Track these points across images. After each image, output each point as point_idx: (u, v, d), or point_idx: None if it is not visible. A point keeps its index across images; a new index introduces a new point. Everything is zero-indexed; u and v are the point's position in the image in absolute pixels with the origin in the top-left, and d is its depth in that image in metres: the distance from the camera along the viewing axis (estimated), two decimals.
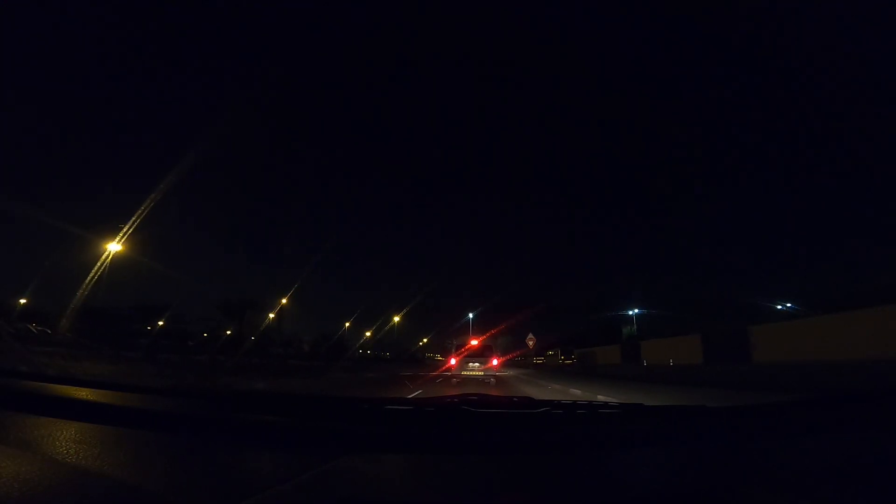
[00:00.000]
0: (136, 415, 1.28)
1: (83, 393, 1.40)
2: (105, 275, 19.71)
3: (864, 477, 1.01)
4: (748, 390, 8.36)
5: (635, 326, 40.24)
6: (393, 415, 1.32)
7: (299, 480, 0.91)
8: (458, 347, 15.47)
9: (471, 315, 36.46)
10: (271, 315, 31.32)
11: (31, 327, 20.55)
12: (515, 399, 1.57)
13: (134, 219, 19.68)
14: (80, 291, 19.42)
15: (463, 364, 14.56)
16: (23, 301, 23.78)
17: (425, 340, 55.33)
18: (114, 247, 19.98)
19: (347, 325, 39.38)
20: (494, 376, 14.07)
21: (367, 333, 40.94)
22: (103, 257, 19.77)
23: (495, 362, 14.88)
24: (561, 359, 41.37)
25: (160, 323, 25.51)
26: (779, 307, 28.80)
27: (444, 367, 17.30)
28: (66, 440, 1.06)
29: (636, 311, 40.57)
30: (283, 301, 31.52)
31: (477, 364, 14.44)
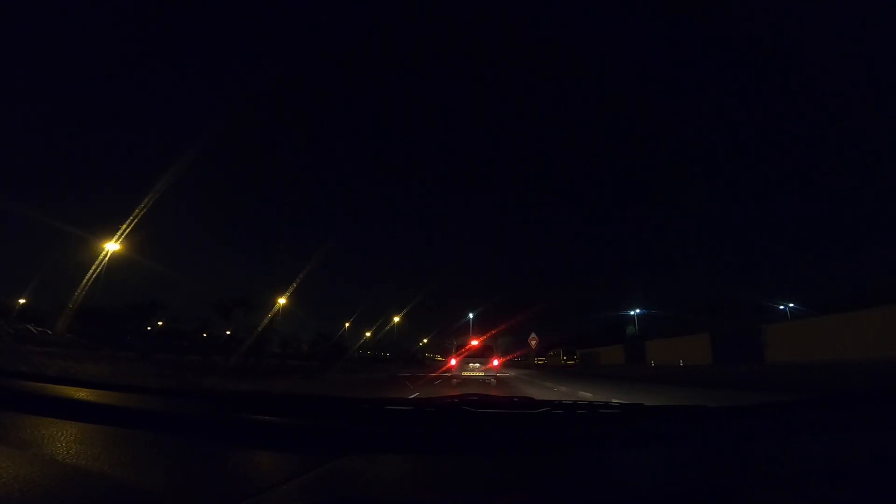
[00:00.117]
0: (136, 415, 1.28)
1: (83, 393, 1.40)
2: (102, 274, 19.73)
3: (864, 477, 1.01)
4: (774, 392, 7.75)
5: (636, 326, 40.20)
6: (393, 415, 1.32)
7: (299, 480, 0.91)
8: (459, 348, 15.42)
9: (471, 315, 36.54)
10: (270, 315, 31.31)
11: (31, 328, 20.54)
12: (516, 399, 1.56)
13: (132, 218, 19.70)
14: (78, 291, 19.43)
15: (463, 364, 14.51)
16: (21, 301, 23.78)
17: (425, 341, 55.45)
18: (112, 246, 20.00)
19: (347, 325, 39.45)
20: (495, 377, 14.05)
21: (367, 334, 41.02)
22: (101, 256, 19.77)
23: (496, 363, 14.83)
24: (563, 359, 40.91)
25: (160, 323, 25.46)
26: (781, 307, 28.76)
27: (444, 368, 17.28)
28: (66, 440, 1.06)
29: (637, 311, 40.56)
30: (282, 301, 31.48)
31: (477, 364, 14.40)
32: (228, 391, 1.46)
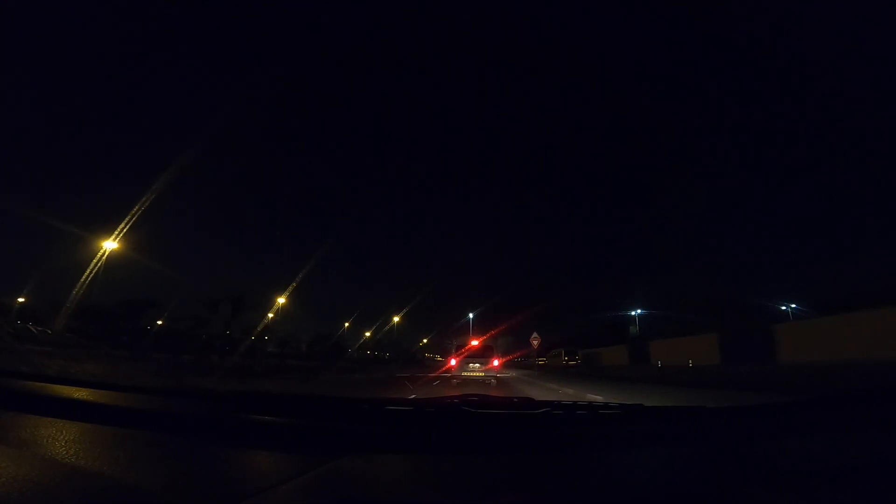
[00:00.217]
0: (136, 415, 1.28)
1: (83, 393, 1.40)
2: (100, 272, 19.70)
3: (864, 477, 1.01)
4: (796, 395, 7.49)
5: (637, 327, 40.16)
6: (393, 415, 1.32)
7: (299, 480, 0.91)
8: (459, 348, 15.36)
9: (471, 315, 36.51)
10: (270, 314, 31.24)
11: (31, 327, 20.52)
12: (515, 400, 1.56)
13: (130, 216, 19.67)
14: (76, 290, 19.39)
15: (463, 365, 14.47)
16: (21, 300, 23.74)
17: (425, 341, 55.44)
18: (109, 244, 19.96)
19: (347, 325, 39.43)
20: (495, 377, 14.02)
21: (367, 334, 41.02)
22: (99, 254, 19.74)
23: (496, 363, 14.80)
24: (565, 360, 40.58)
25: (159, 322, 25.31)
26: (783, 307, 28.65)
27: (444, 368, 17.24)
28: (66, 440, 1.06)
29: (638, 311, 40.52)
30: (281, 300, 31.45)
31: (477, 365, 14.36)
32: (228, 391, 1.46)
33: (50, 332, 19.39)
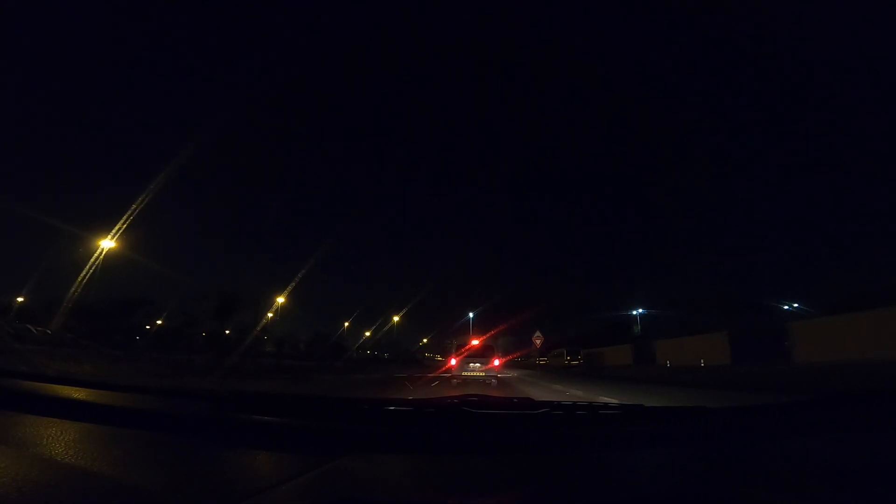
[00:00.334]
0: (136, 415, 1.28)
1: (83, 393, 1.40)
2: (98, 271, 19.65)
3: (864, 477, 1.01)
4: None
5: (640, 326, 40.07)
6: (393, 415, 1.32)
7: (299, 480, 0.91)
8: (459, 347, 15.27)
9: (471, 315, 36.40)
10: (270, 314, 31.17)
11: (31, 328, 20.48)
12: (515, 400, 1.57)
13: (128, 214, 19.60)
14: (74, 289, 19.31)
15: (463, 364, 14.40)
16: (20, 300, 23.69)
17: (425, 341, 55.35)
18: (107, 243, 19.90)
19: (346, 324, 39.35)
20: (496, 377, 13.98)
21: (367, 333, 40.91)
22: (97, 254, 19.68)
23: (497, 363, 14.73)
24: (567, 359, 39.84)
25: (158, 322, 25.18)
26: (785, 307, 28.47)
27: (443, 368, 17.19)
28: (66, 440, 1.06)
29: (640, 310, 40.40)
30: (280, 300, 31.39)
31: (478, 364, 14.29)
32: (228, 391, 1.46)
33: (49, 332, 19.32)
